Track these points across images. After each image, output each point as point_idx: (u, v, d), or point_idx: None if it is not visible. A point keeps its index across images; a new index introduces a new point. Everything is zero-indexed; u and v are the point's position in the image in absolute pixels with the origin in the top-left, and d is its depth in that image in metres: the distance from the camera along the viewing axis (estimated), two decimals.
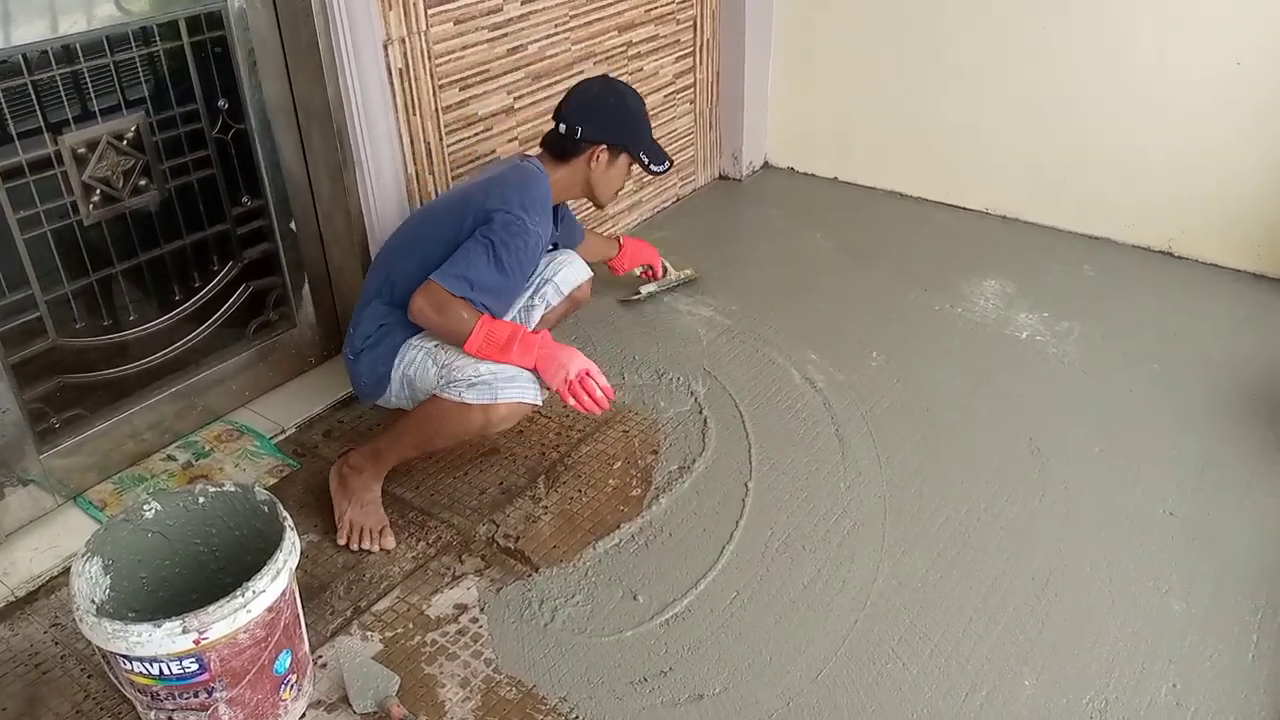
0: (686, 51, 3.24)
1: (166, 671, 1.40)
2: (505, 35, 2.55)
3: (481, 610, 1.83)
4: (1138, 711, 1.60)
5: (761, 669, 1.70)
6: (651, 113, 3.16)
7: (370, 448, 1.99)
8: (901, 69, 3.24)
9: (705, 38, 3.29)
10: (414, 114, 2.37)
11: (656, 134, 3.19)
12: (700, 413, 2.35)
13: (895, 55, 3.23)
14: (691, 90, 3.34)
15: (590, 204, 2.38)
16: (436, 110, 2.43)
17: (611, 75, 2.28)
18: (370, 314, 1.99)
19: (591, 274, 2.34)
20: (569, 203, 2.40)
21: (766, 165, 3.68)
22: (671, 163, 2.22)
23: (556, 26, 2.70)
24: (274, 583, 1.46)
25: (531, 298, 2.21)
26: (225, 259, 2.25)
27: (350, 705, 1.63)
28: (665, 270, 2.86)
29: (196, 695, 1.44)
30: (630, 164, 2.19)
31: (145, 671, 1.40)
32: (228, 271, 2.25)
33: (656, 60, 3.13)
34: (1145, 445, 2.20)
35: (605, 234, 2.90)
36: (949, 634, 1.75)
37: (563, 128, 2.10)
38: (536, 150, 2.20)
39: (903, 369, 2.49)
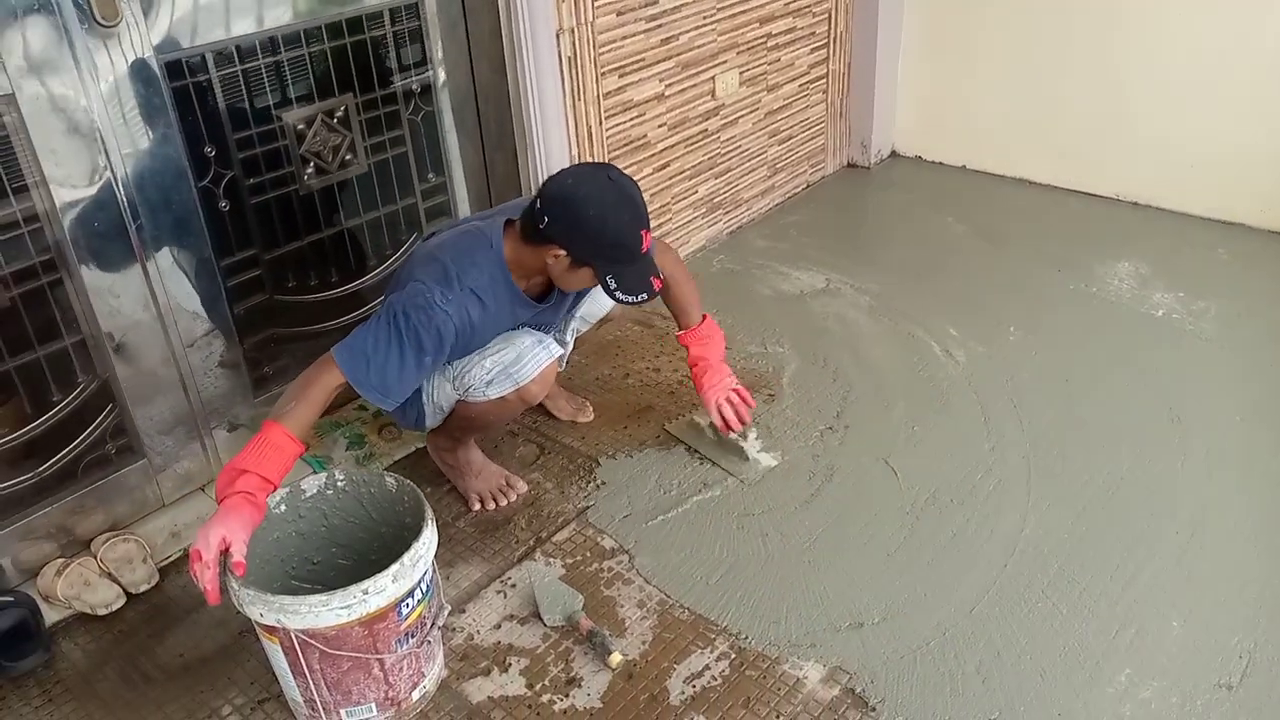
0: (821, 43, 3.38)
1: (424, 589, 1.59)
2: (660, 26, 2.73)
3: None
4: None
5: (917, 603, 1.82)
6: (785, 103, 3.35)
7: (445, 431, 2.09)
8: (1031, 57, 3.31)
9: (839, 30, 3.42)
10: (579, 99, 2.57)
11: (789, 123, 3.38)
12: (841, 379, 2.48)
13: (1025, 43, 3.30)
14: (824, 80, 3.47)
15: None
16: (598, 96, 2.63)
17: (618, 172, 1.81)
18: None
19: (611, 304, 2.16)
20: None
21: (894, 154, 3.78)
22: (650, 295, 1.83)
23: (705, 19, 2.87)
24: None
25: (563, 335, 2.15)
26: (412, 230, 2.48)
27: (541, 619, 1.82)
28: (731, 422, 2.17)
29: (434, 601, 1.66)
30: (594, 279, 1.83)
31: (419, 600, 1.59)
32: (413, 242, 2.48)
33: (793, 51, 3.27)
34: None
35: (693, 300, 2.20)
36: (1097, 579, 1.85)
37: (538, 205, 1.79)
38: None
39: (1040, 343, 2.58)
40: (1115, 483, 2.08)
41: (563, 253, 1.78)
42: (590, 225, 1.75)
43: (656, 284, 1.83)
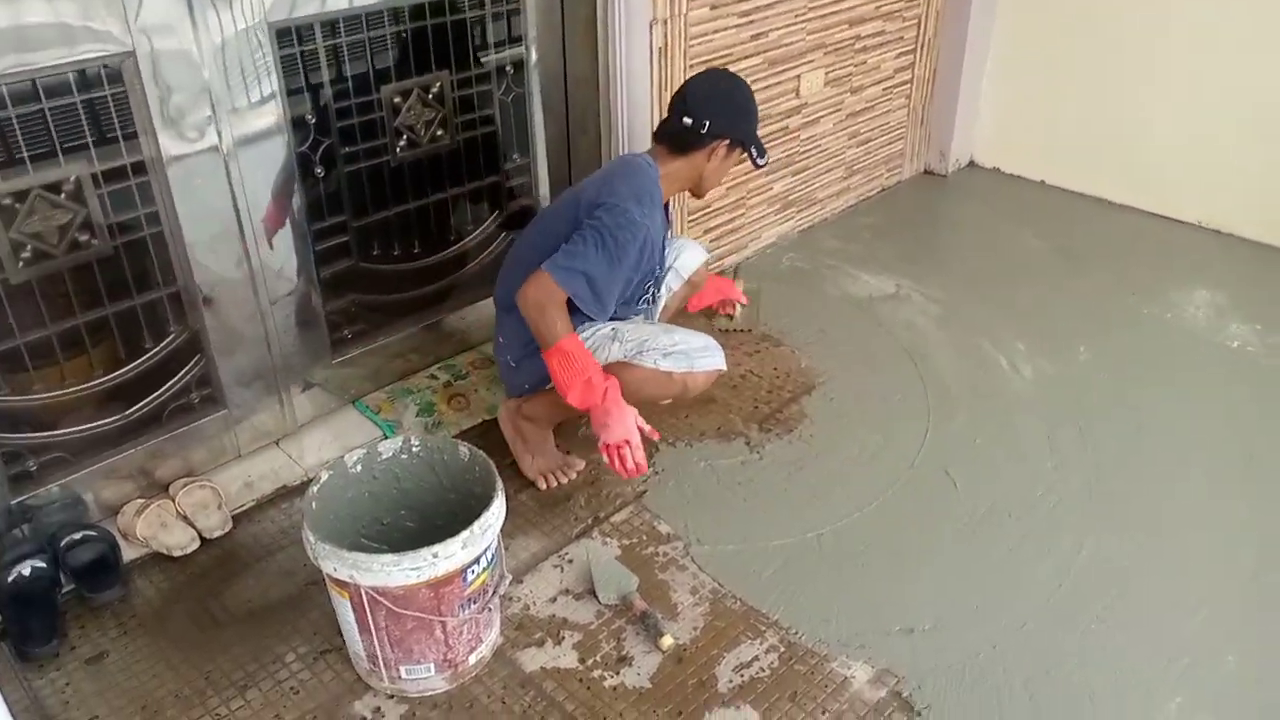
0: (908, 48, 3.36)
1: (489, 557, 1.65)
2: (752, 22, 2.75)
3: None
4: None
5: (968, 615, 1.84)
6: (868, 106, 3.35)
7: (548, 401, 2.08)
8: (1120, 77, 3.26)
9: (927, 36, 3.39)
10: (665, 90, 2.59)
11: (869, 126, 3.38)
12: (905, 386, 2.49)
13: (1114, 63, 3.25)
14: (908, 85, 3.45)
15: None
16: None
17: (723, 67, 2.19)
18: (515, 321, 2.01)
19: (708, 254, 2.33)
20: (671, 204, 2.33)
21: (972, 164, 3.75)
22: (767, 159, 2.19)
23: (796, 17, 2.88)
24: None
25: (656, 290, 2.23)
26: (494, 208, 2.53)
27: (596, 596, 1.87)
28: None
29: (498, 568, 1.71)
30: (739, 157, 2.13)
31: (484, 567, 1.64)
32: (494, 220, 2.54)
33: (880, 54, 3.26)
34: None
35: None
36: (1153, 608, 1.84)
37: (688, 121, 2.03)
38: (647, 147, 2.19)
39: (1110, 365, 2.56)
40: (1180, 514, 2.07)
41: (727, 141, 2.06)
42: (743, 104, 2.10)
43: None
